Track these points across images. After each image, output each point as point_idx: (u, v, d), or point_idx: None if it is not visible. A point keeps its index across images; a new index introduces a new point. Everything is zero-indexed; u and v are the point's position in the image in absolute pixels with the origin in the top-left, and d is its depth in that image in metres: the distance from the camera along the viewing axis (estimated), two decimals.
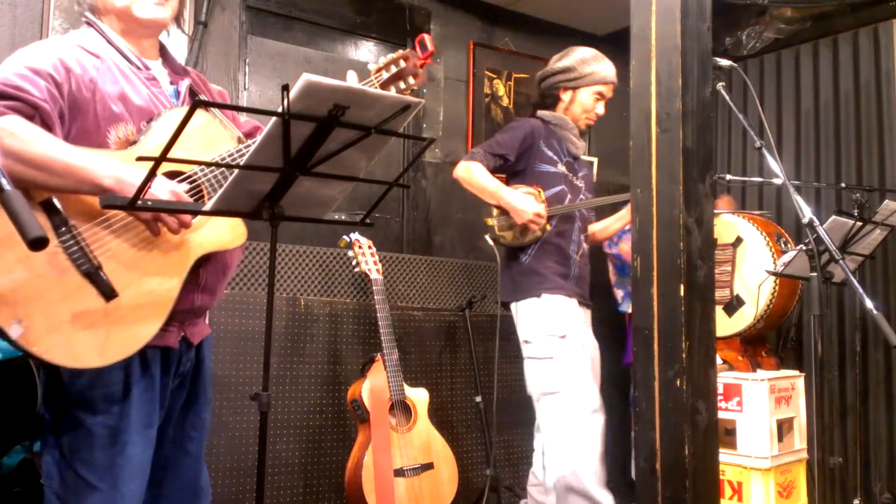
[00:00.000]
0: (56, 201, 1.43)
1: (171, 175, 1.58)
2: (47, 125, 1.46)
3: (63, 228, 1.42)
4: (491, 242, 2.88)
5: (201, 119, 1.66)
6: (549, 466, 2.75)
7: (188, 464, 1.77)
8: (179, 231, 1.54)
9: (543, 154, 2.89)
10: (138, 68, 1.66)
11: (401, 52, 1.84)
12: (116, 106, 1.56)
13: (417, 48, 1.85)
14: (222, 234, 1.66)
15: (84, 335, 1.42)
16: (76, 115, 1.52)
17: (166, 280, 1.55)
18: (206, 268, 1.66)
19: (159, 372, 1.64)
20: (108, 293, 1.44)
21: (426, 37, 1.85)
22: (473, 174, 2.82)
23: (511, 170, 2.91)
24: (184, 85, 1.74)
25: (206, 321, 1.82)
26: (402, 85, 1.84)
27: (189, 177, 1.59)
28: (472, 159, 2.84)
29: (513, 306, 2.88)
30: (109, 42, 1.63)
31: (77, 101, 1.52)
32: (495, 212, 2.87)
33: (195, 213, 1.59)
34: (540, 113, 3.00)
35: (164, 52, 1.76)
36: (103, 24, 1.65)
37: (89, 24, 1.65)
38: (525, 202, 2.76)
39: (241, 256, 1.85)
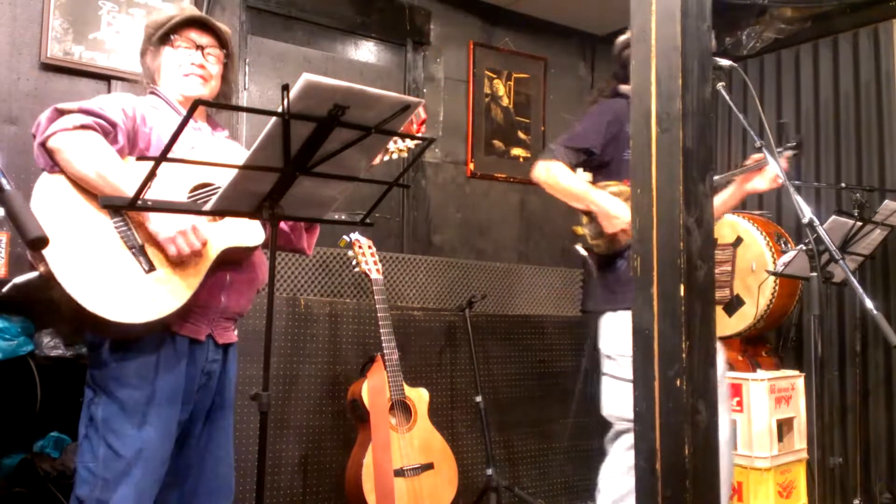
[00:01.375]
0: None
1: (200, 187, 1.84)
2: (117, 140, 1.83)
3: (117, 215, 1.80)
4: (584, 253, 2.56)
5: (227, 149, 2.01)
6: (602, 489, 2.48)
7: (212, 466, 1.97)
8: (189, 252, 1.79)
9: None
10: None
11: None
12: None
13: (412, 117, 1.95)
14: (243, 231, 1.90)
15: (125, 296, 1.71)
16: (137, 143, 1.90)
17: (194, 263, 1.82)
18: (232, 272, 1.90)
19: (186, 361, 1.86)
20: (148, 267, 1.76)
21: (420, 108, 1.94)
22: (556, 177, 2.47)
23: (596, 162, 2.55)
24: (220, 134, 2.11)
25: (235, 331, 2.02)
26: (398, 144, 2.14)
27: (212, 189, 1.81)
28: (552, 158, 2.50)
29: (604, 317, 2.53)
30: (167, 102, 2.03)
31: (137, 133, 1.90)
32: (584, 218, 2.54)
33: (195, 213, 1.64)
34: (624, 88, 2.58)
35: (208, 115, 2.17)
36: (160, 88, 2.04)
37: (152, 92, 2.05)
38: (619, 208, 2.39)
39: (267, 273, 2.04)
